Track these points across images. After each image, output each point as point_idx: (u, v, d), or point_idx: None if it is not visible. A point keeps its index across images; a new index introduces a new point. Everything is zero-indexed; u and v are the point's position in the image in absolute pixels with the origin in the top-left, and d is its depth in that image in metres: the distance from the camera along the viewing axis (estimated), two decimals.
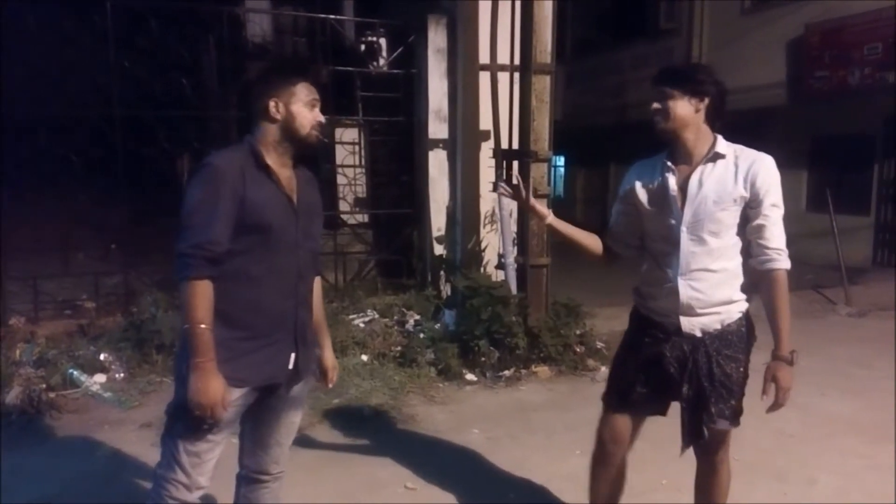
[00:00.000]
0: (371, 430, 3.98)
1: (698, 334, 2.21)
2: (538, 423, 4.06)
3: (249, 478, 2.25)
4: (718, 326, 2.22)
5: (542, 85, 5.09)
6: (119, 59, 5.50)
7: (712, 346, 2.21)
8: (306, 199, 2.12)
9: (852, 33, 9.10)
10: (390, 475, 3.35)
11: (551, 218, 2.33)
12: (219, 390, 1.88)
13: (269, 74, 2.10)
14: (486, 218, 5.78)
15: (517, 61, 5.33)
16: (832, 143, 10.22)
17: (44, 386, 4.19)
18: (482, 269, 5.61)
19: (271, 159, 2.04)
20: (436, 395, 4.53)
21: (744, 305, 2.25)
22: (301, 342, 2.11)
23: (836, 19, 9.34)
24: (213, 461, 2.03)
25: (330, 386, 2.40)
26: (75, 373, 4.32)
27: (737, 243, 2.21)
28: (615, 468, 2.46)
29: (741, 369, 2.23)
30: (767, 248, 2.15)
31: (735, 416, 2.27)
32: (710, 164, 2.17)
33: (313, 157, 7.69)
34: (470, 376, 4.80)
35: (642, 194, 2.27)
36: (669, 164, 2.22)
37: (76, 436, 3.79)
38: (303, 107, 2.05)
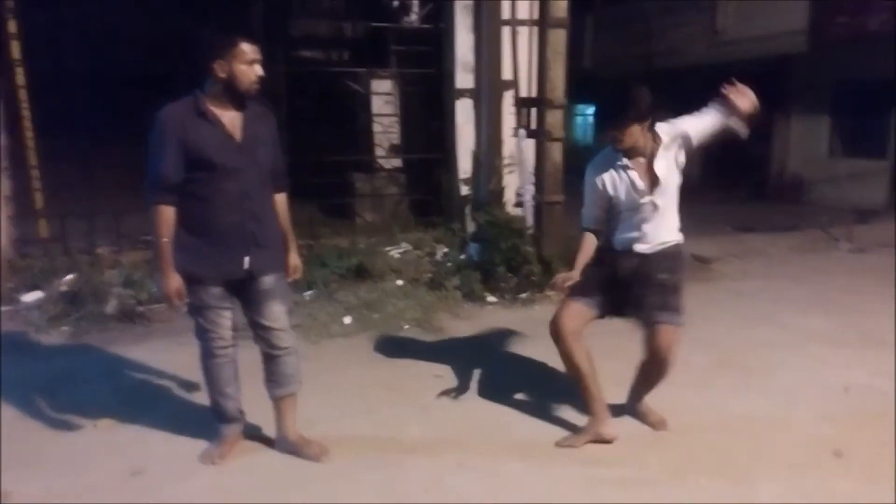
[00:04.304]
0: (406, 337, 4.72)
1: (646, 251, 3.00)
2: (546, 333, 4.71)
3: (265, 354, 2.91)
4: (662, 247, 3.01)
5: (558, 38, 5.62)
6: (180, 18, 6.17)
7: (656, 258, 2.99)
8: (251, 132, 2.69)
9: None
10: (423, 367, 4.11)
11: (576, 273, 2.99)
12: (173, 285, 2.62)
13: (214, 38, 2.57)
14: (506, 160, 6.37)
15: (536, 16, 5.86)
16: (853, 88, 10.42)
17: (134, 301, 5.02)
18: (503, 207, 6.24)
19: (215, 106, 2.61)
20: (461, 312, 5.25)
21: (679, 237, 3.06)
22: (253, 247, 2.71)
23: None
24: (225, 320, 2.81)
25: (289, 280, 2.99)
26: (159, 291, 5.13)
27: (676, 191, 2.98)
28: (576, 342, 3.04)
29: (675, 278, 3.01)
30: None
31: (676, 311, 2.99)
32: (658, 153, 2.91)
33: (351, 107, 8.37)
34: (491, 298, 5.50)
35: (613, 191, 2.99)
36: (628, 164, 2.94)
37: (163, 339, 4.59)
38: (243, 66, 2.52)
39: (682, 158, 2.96)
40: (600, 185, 3.03)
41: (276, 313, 2.85)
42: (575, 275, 2.98)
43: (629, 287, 3.03)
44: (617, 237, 3.08)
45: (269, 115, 2.82)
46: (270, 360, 2.92)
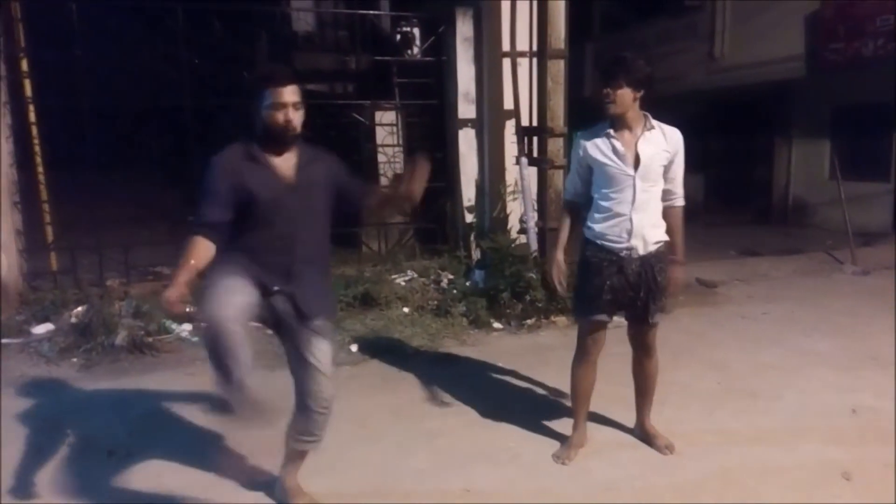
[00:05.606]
0: (413, 365, 4.73)
1: (643, 252, 3.00)
2: (552, 359, 4.75)
3: (301, 404, 2.72)
4: (655, 247, 3.02)
5: (557, 68, 5.74)
6: (189, 55, 6.32)
7: (653, 261, 3.02)
8: (306, 174, 2.66)
9: (865, 6, 9.39)
10: (430, 395, 4.13)
11: (560, 255, 3.26)
12: (177, 291, 2.33)
13: (249, 82, 2.70)
14: (510, 188, 6.45)
15: (535, 48, 5.98)
16: (852, 112, 10.50)
17: (143, 333, 5.07)
18: (507, 234, 6.30)
19: (266, 149, 2.61)
20: (467, 339, 5.28)
21: (664, 234, 3.07)
22: (297, 287, 2.60)
23: None
24: (236, 300, 2.47)
25: None
26: (167, 322, 5.20)
27: (660, 189, 3.04)
28: (593, 367, 3.23)
29: (667, 277, 3.08)
30: (676, 192, 3.10)
31: (663, 310, 3.13)
32: (647, 133, 2.96)
33: (355, 138, 8.50)
34: (496, 325, 5.52)
35: (597, 157, 3.01)
36: (613, 133, 2.98)
37: (173, 369, 4.66)
38: (270, 111, 2.51)
39: (667, 165, 3.01)
40: (581, 151, 3.07)
41: (324, 352, 2.70)
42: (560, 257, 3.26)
43: (626, 289, 3.04)
44: (605, 229, 3.02)
45: (324, 156, 2.75)
46: (304, 411, 2.74)
